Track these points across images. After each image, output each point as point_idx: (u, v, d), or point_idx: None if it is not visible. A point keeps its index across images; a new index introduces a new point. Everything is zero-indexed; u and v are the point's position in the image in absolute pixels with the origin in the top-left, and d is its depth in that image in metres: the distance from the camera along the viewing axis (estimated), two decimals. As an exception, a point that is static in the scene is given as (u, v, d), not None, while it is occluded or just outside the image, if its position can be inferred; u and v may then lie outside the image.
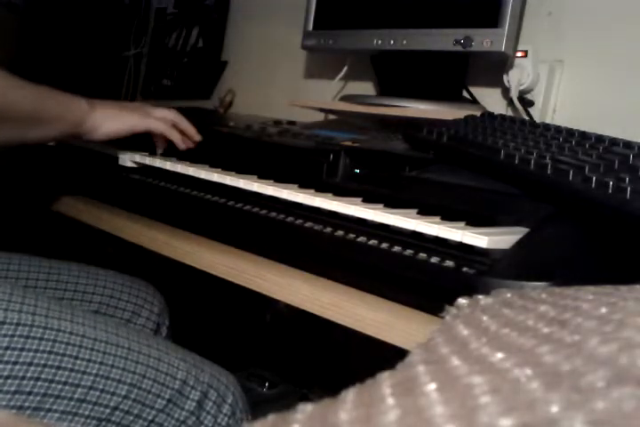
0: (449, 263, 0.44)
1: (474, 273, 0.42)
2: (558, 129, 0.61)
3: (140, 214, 0.76)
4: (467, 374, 0.19)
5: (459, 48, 0.85)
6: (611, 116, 0.85)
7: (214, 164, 0.73)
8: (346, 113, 1.04)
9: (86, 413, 0.55)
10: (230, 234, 0.65)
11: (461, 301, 0.30)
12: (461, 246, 0.44)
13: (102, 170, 0.85)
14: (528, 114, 0.92)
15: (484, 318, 0.26)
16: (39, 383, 0.53)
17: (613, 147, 0.53)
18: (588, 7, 0.89)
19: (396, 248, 0.47)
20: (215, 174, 0.65)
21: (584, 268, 0.43)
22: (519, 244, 0.43)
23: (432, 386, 0.18)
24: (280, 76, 1.35)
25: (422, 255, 0.46)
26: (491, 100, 0.98)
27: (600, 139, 0.56)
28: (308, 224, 0.55)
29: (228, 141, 0.82)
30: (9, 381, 0.52)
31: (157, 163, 0.74)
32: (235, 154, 0.78)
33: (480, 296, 0.29)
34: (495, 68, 0.95)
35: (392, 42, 0.93)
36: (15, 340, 0.54)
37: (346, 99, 1.02)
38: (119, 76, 1.63)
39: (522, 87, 0.91)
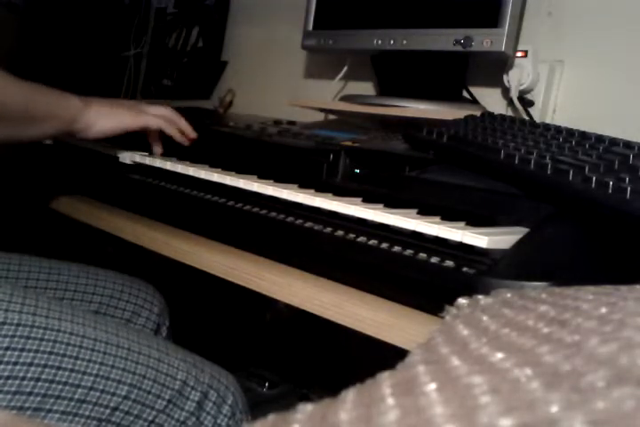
0: (449, 263, 0.44)
1: (474, 273, 0.42)
2: (558, 129, 0.61)
3: (140, 214, 0.76)
4: (467, 374, 0.19)
5: (459, 48, 0.85)
6: (611, 116, 0.85)
7: (214, 164, 0.73)
8: (346, 113, 1.04)
9: (86, 413, 0.55)
10: (230, 234, 0.65)
11: (461, 301, 0.30)
12: (461, 246, 0.44)
13: (102, 170, 0.85)
14: (528, 114, 0.92)
15: (484, 318, 0.26)
16: (39, 384, 0.53)
17: (613, 147, 0.53)
18: (588, 7, 0.89)
19: (396, 248, 0.47)
20: (215, 174, 0.65)
21: (584, 268, 0.43)
22: (519, 244, 0.43)
23: (432, 386, 0.18)
24: (280, 76, 1.35)
25: (422, 255, 0.46)
26: (491, 100, 0.98)
27: (600, 139, 0.56)
28: (308, 224, 0.55)
29: (228, 141, 0.82)
30: (9, 381, 0.52)
31: (157, 163, 0.74)
32: (235, 154, 0.78)
33: (480, 296, 0.29)
34: (495, 68, 0.95)
35: (392, 42, 0.93)
36: (15, 340, 0.54)
37: (346, 99, 1.02)
38: (119, 76, 1.63)
39: (522, 87, 0.91)
